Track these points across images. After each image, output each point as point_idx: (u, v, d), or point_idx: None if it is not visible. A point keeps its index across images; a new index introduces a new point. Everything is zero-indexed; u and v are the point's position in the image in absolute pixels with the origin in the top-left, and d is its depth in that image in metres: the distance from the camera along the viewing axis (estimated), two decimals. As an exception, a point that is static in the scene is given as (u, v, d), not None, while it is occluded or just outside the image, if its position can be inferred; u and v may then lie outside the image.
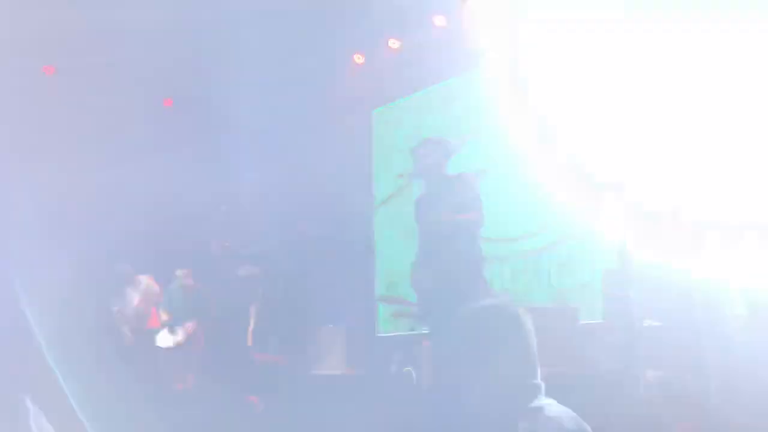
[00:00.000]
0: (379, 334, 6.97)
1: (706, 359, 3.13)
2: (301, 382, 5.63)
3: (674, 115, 4.47)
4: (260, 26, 6.63)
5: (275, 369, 5.61)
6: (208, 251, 6.49)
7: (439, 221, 3.18)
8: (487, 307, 1.83)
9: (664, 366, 3.52)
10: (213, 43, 6.88)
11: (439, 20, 6.93)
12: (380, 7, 6.61)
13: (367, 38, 7.36)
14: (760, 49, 4.06)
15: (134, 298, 5.93)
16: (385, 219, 7.13)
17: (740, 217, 3.89)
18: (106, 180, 6.93)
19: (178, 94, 8.00)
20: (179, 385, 5.52)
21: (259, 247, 7.14)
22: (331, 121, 8.06)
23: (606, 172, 5.73)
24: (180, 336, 5.66)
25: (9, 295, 3.73)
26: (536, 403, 1.65)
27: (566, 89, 6.17)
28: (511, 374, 1.66)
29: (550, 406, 1.66)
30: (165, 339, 5.68)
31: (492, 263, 6.06)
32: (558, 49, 6.16)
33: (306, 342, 6.45)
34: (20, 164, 6.22)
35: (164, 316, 5.79)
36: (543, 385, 1.69)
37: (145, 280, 6.02)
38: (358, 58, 7.66)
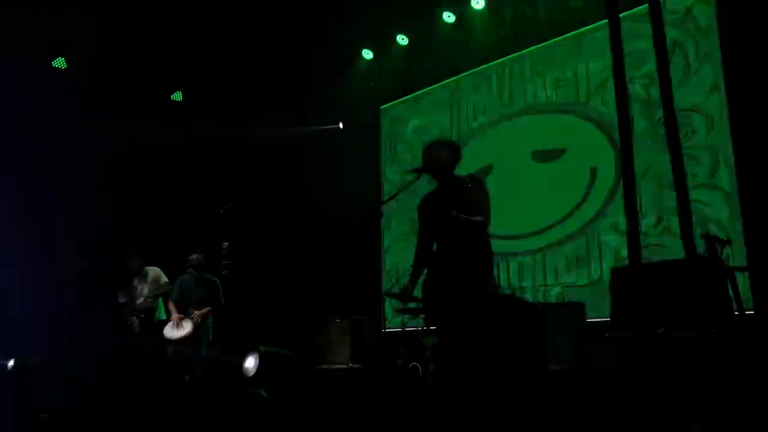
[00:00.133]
0: (385, 329, 7.01)
1: (712, 358, 3.14)
2: (308, 375, 5.66)
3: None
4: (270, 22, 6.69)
5: (283, 361, 5.65)
6: (214, 248, 6.54)
7: (447, 219, 3.20)
8: (497, 301, 1.85)
9: (668, 364, 3.53)
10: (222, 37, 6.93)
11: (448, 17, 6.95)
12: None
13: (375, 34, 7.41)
14: None
15: (143, 288, 5.95)
16: (393, 215, 7.15)
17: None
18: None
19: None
20: (186, 375, 5.55)
21: (263, 244, 7.19)
22: (339, 116, 8.09)
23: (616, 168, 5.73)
24: (188, 328, 5.68)
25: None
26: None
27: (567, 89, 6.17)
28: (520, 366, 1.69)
29: None
30: (173, 330, 5.69)
31: (499, 260, 6.08)
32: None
33: (313, 336, 6.49)
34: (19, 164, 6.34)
35: (173, 307, 5.81)
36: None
37: (153, 272, 6.04)
38: (367, 54, 7.68)
